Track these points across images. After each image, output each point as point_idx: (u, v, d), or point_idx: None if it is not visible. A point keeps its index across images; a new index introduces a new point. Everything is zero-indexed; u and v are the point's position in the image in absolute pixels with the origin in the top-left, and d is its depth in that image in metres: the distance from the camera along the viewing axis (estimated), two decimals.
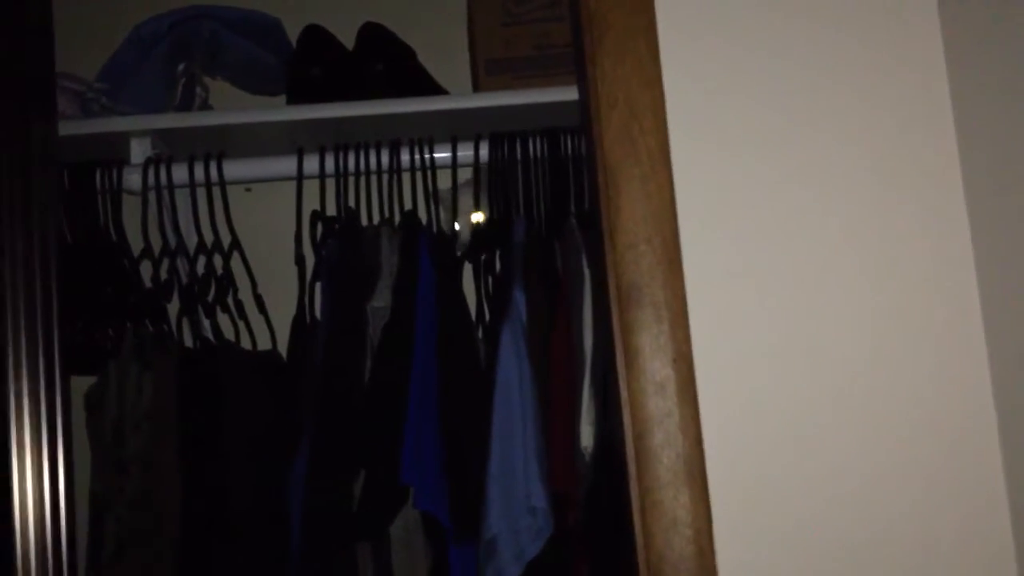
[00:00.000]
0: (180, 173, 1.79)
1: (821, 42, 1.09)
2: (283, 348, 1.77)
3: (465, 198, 1.73)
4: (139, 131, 1.84)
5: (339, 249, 1.68)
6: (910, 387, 1.03)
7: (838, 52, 1.08)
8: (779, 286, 1.05)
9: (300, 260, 1.75)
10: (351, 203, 1.76)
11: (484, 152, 1.77)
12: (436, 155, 1.79)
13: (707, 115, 1.08)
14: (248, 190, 1.99)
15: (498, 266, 1.70)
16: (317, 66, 1.87)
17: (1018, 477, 1.00)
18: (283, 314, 1.79)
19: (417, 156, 1.78)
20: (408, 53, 1.89)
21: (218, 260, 1.80)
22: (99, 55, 1.93)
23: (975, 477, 1.02)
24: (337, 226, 1.71)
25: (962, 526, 1.01)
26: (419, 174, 1.78)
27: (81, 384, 1.69)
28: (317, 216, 1.75)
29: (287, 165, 1.80)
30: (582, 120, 1.20)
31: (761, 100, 1.08)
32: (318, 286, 1.72)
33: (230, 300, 1.79)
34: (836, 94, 1.08)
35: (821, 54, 1.08)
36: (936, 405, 1.03)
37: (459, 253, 1.72)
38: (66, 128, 1.72)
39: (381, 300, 1.62)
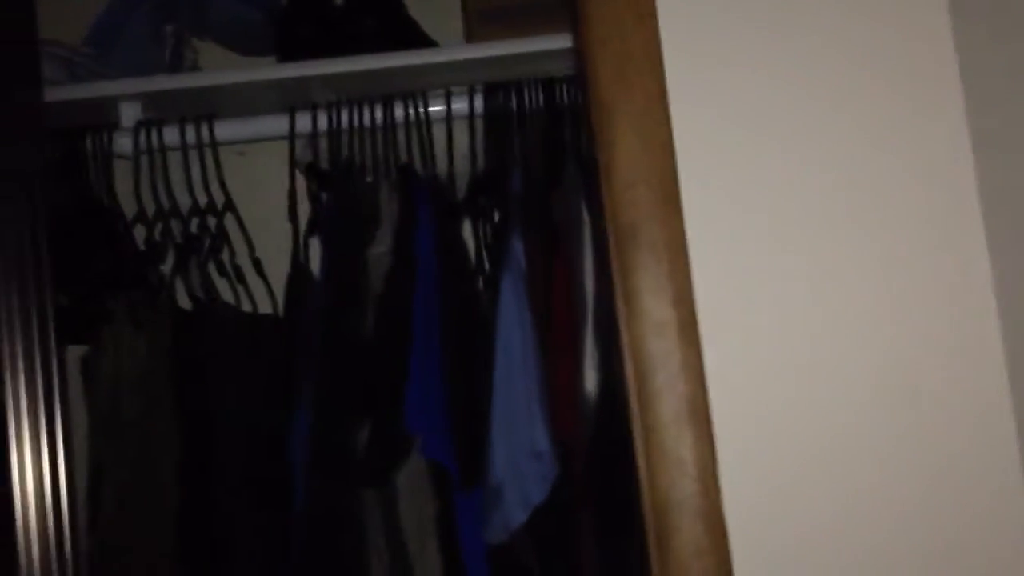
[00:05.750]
0: (171, 136, 1.77)
1: None
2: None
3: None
4: (129, 94, 1.81)
5: (337, 199, 1.67)
6: (918, 322, 1.01)
7: None
8: (783, 223, 1.03)
9: (294, 216, 1.73)
10: (345, 159, 1.74)
11: (479, 104, 1.74)
12: (430, 108, 1.76)
13: (705, 48, 1.05)
14: (241, 154, 1.96)
15: (496, 216, 1.68)
16: (307, 22, 1.84)
17: None
18: (281, 276, 1.77)
19: (411, 110, 1.75)
20: (398, 6, 1.86)
21: (212, 222, 1.78)
22: (82, 19, 1.90)
23: (986, 409, 1.00)
24: (334, 177, 1.70)
25: (975, 483, 0.99)
26: (413, 128, 1.75)
27: (78, 352, 1.68)
28: (312, 169, 1.73)
29: (279, 124, 1.78)
30: (576, 61, 1.18)
31: (763, 28, 1.04)
32: (314, 242, 1.71)
33: (227, 264, 1.78)
34: (845, 21, 1.04)
35: None
36: (947, 348, 1.01)
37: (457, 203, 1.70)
38: (54, 94, 1.70)
39: (382, 245, 1.61)
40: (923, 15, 1.04)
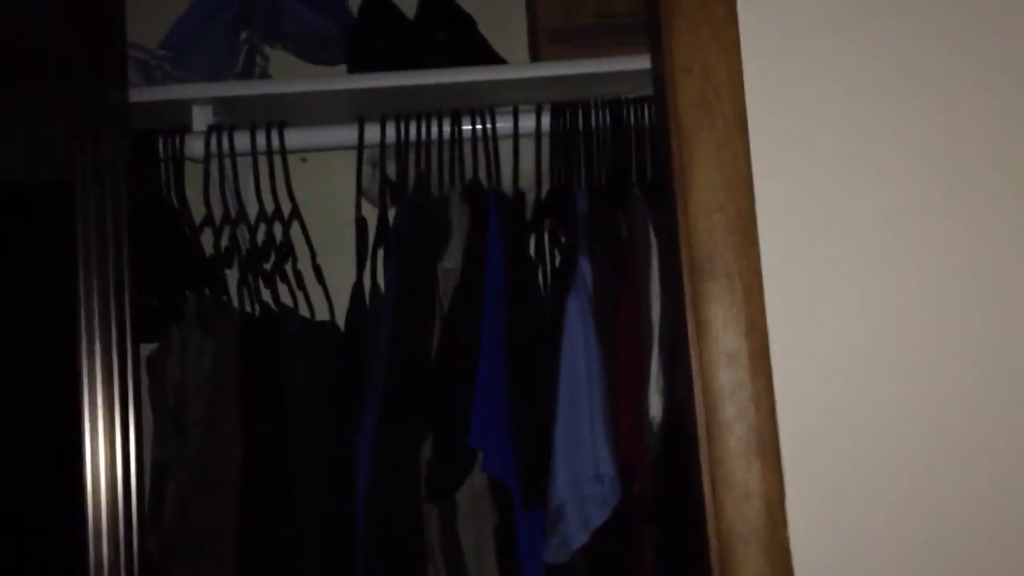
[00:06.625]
0: (242, 141, 1.80)
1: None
2: (340, 318, 1.78)
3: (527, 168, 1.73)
4: (201, 99, 1.84)
5: (410, 211, 1.68)
6: (995, 360, 1.01)
7: (933, 7, 1.05)
8: (859, 257, 1.03)
9: (361, 224, 1.74)
10: (411, 172, 1.76)
11: (546, 122, 1.75)
12: (497, 125, 1.78)
13: (787, 80, 1.05)
14: (304, 160, 1.99)
15: (561, 236, 1.69)
16: (378, 34, 1.86)
17: None
18: (339, 285, 1.79)
19: (478, 126, 1.77)
20: (469, 21, 1.88)
21: (277, 229, 1.81)
22: (161, 23, 1.94)
23: None
24: (408, 189, 1.71)
25: None
26: (480, 144, 1.77)
27: (142, 351, 1.71)
28: (387, 183, 1.74)
29: (348, 134, 1.80)
30: (655, 87, 1.18)
31: (846, 64, 1.04)
32: (380, 252, 1.72)
33: (289, 270, 1.80)
34: (930, 56, 1.04)
35: (914, 11, 1.05)
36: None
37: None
38: (129, 95, 1.73)
39: (452, 261, 1.62)
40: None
